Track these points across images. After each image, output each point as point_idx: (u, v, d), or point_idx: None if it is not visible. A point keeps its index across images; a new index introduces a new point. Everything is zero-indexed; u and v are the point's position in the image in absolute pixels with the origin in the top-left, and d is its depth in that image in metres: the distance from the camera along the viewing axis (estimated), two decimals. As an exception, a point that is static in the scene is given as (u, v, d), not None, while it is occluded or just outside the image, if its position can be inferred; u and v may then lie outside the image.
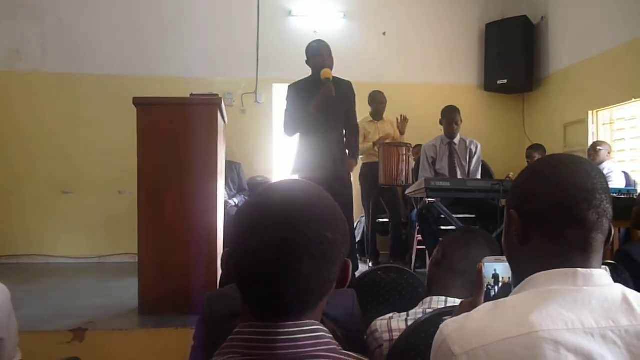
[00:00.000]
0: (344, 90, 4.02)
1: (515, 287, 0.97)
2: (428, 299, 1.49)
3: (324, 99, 3.78)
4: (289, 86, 4.06)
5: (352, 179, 4.20)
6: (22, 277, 4.76)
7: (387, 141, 5.25)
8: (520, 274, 0.96)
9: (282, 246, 0.81)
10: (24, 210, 5.81)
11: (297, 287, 0.82)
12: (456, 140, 4.79)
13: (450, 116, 4.73)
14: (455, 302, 1.43)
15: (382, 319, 1.46)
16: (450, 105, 4.81)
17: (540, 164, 1.03)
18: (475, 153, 4.82)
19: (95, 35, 5.96)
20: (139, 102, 3.29)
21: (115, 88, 5.64)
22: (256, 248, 0.82)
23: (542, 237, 0.93)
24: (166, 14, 6.09)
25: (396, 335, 1.39)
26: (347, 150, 4.11)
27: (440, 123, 4.81)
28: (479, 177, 4.80)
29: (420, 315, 1.42)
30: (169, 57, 5.98)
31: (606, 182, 0.94)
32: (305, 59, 3.99)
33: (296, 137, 4.08)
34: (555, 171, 0.95)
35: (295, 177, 3.96)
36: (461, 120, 4.75)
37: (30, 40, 5.91)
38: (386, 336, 1.41)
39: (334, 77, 3.86)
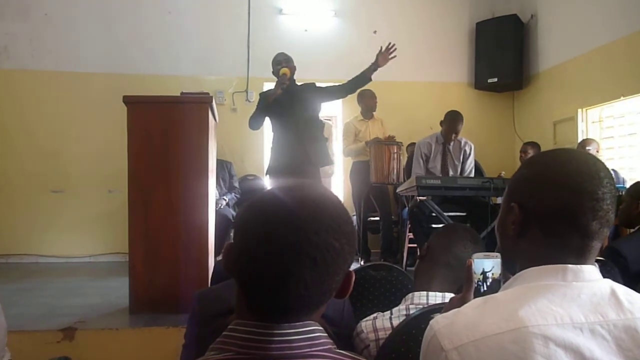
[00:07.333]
0: (303, 90, 4.20)
1: (505, 275, 0.97)
2: (410, 295, 1.51)
3: (276, 89, 4.03)
4: (259, 94, 4.29)
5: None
6: (11, 277, 4.73)
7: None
8: (511, 264, 0.97)
9: (287, 250, 0.79)
10: (13, 209, 5.76)
11: (296, 292, 0.80)
12: (451, 140, 4.79)
13: (452, 124, 4.67)
14: (436, 295, 1.47)
15: (366, 320, 1.47)
16: (455, 112, 4.72)
17: (553, 162, 0.96)
18: (470, 154, 4.83)
19: (85, 33, 5.92)
20: (129, 101, 3.28)
21: (105, 86, 5.60)
22: (260, 248, 0.81)
23: (540, 235, 0.93)
24: (157, 12, 6.05)
25: (382, 334, 1.39)
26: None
27: (441, 124, 4.78)
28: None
29: (403, 313, 1.44)
30: (160, 56, 5.95)
31: (615, 188, 0.93)
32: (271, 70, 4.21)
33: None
34: (567, 174, 0.92)
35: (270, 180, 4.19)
36: (461, 130, 4.70)
37: (18, 37, 5.86)
38: (372, 336, 1.41)
39: (301, 84, 4.19)
